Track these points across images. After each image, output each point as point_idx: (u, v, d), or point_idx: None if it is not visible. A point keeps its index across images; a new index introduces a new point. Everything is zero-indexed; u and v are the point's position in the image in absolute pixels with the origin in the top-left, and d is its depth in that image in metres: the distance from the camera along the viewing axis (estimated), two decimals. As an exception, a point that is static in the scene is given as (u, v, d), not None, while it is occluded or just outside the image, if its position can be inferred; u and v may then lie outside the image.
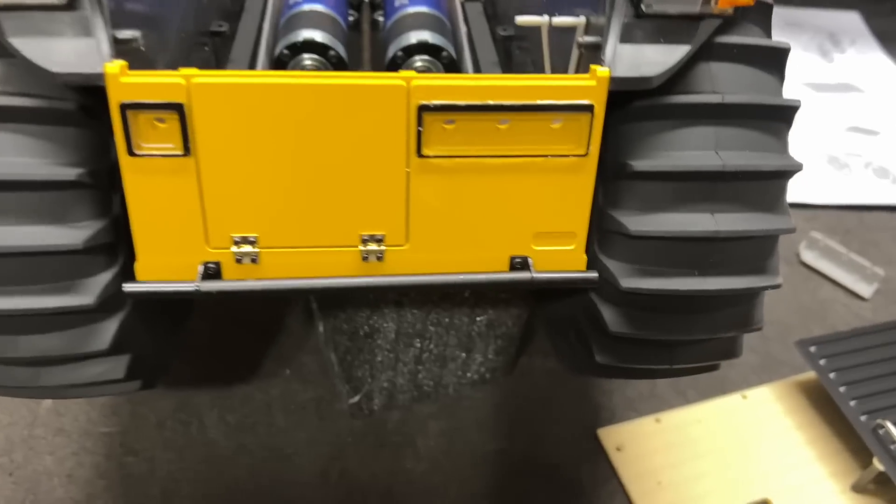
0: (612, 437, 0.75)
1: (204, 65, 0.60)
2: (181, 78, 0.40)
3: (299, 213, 0.45)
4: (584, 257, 0.50)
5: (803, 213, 1.04)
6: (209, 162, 0.43)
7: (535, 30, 0.58)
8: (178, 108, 0.41)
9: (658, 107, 0.45)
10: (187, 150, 0.42)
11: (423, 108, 0.43)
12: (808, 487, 0.73)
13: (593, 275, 0.50)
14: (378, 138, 0.44)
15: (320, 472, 0.70)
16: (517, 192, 0.47)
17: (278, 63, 0.63)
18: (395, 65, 0.66)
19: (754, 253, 0.48)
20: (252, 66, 0.64)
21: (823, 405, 0.79)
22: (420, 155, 0.44)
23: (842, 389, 0.75)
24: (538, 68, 0.59)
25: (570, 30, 0.49)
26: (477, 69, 0.67)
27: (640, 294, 0.48)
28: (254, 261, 0.46)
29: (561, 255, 0.49)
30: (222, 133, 0.42)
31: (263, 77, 0.42)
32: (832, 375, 0.76)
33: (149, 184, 0.43)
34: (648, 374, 0.54)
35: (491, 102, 0.43)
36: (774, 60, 0.48)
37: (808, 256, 0.97)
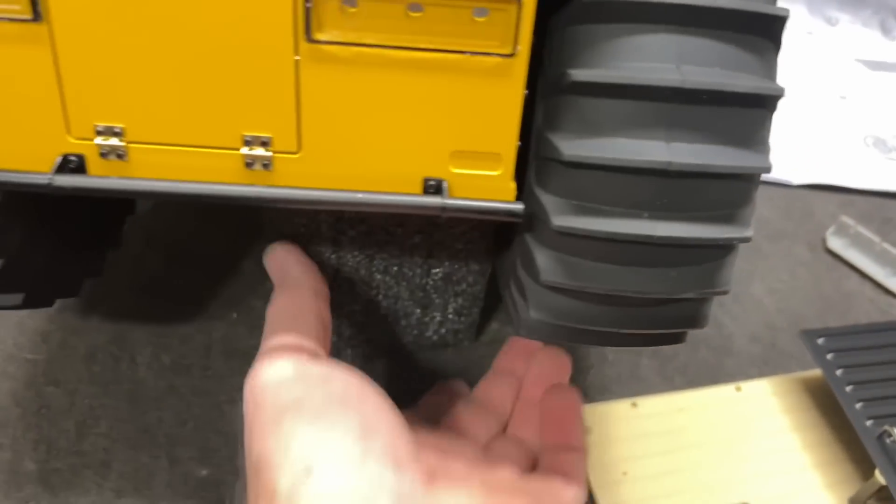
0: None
1: None
2: None
3: (172, 102, 0.39)
4: (513, 185, 0.42)
5: (837, 197, 0.93)
6: (65, 30, 0.36)
7: None
8: None
9: (610, 4, 0.37)
10: (37, 15, 0.36)
11: None
12: (797, 496, 0.64)
13: (518, 206, 0.42)
14: (261, 14, 0.36)
15: (250, 423, 0.65)
16: (431, 97, 0.39)
17: None
18: None
19: (719, 196, 0.39)
20: None
21: (827, 406, 0.69)
22: (310, 39, 0.37)
23: (848, 389, 0.65)
24: None
25: None
26: None
27: (576, 235, 0.40)
28: (120, 156, 0.40)
29: (484, 181, 0.42)
30: (78, 12, 0.36)
31: None
32: (839, 372, 0.67)
33: None
34: (592, 337, 0.46)
35: None
36: (766, 30, 0.39)
37: (836, 244, 0.86)
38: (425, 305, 0.66)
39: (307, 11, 0.36)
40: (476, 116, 0.40)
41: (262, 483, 0.39)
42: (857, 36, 1.20)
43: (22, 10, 0.36)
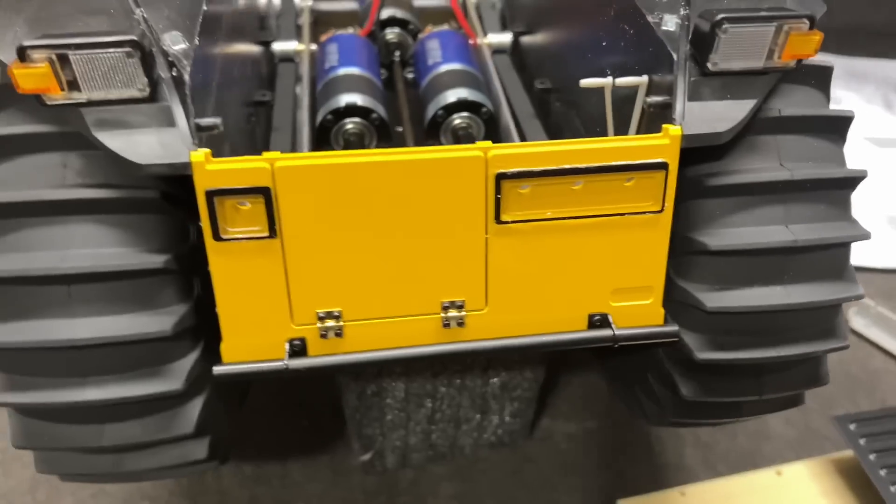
0: (632, 509, 0.72)
1: (251, 135, 0.61)
2: (265, 162, 0.41)
3: (382, 284, 0.46)
4: (662, 311, 0.49)
5: (857, 276, 0.99)
6: (293, 241, 0.43)
7: (574, 82, 0.58)
8: (264, 192, 0.41)
9: (728, 185, 0.46)
10: (273, 232, 0.42)
11: (500, 176, 0.43)
12: (843, 577, 0.68)
13: (674, 328, 0.49)
14: (457, 208, 0.44)
15: (329, 528, 0.70)
16: (594, 250, 0.46)
17: (322, 129, 0.65)
18: (435, 123, 0.67)
19: (833, 263, 0.48)
20: (295, 133, 0.66)
21: (861, 487, 0.74)
22: (498, 221, 0.44)
23: (882, 472, 0.70)
24: (584, 121, 0.59)
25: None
26: (516, 122, 0.68)
27: (727, 313, 0.47)
28: (338, 334, 0.46)
29: (639, 310, 0.49)
30: (306, 212, 0.43)
31: (345, 157, 0.42)
32: (872, 457, 0.71)
33: (235, 266, 0.43)
34: (736, 410, 0.54)
35: (567, 166, 0.43)
36: (838, 128, 0.49)
37: (859, 324, 0.92)
38: (484, 411, 0.72)
39: (497, 201, 0.43)
40: (632, 259, 0.47)
41: None
42: (863, 113, 1.27)
43: (261, 229, 0.42)
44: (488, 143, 0.43)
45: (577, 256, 0.46)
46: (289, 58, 0.77)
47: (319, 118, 0.67)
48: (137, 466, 0.49)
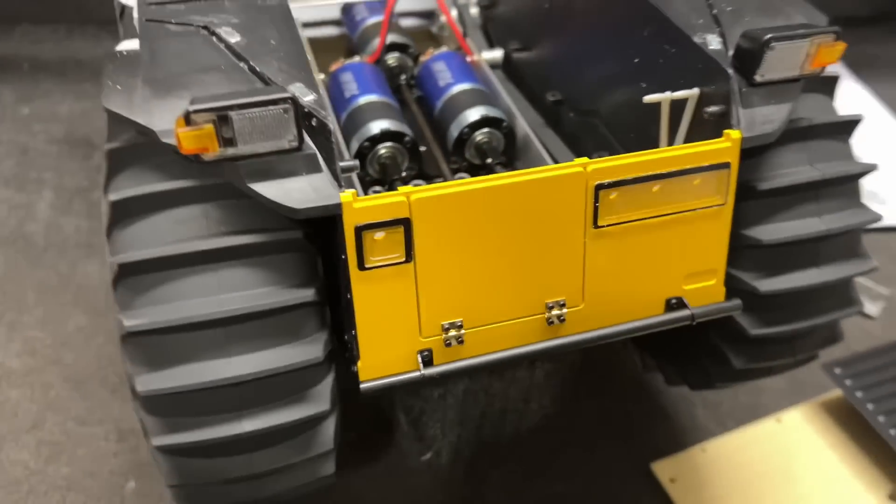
0: (666, 469, 0.80)
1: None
2: (402, 196, 0.45)
3: (496, 293, 0.51)
4: (723, 289, 0.56)
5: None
6: (425, 263, 0.48)
7: (599, 92, 0.67)
8: (404, 223, 0.45)
9: (773, 189, 0.54)
10: (409, 257, 0.47)
11: (599, 187, 0.49)
12: (849, 501, 0.79)
13: (737, 302, 0.56)
14: (561, 217, 0.49)
15: (399, 529, 0.74)
16: (670, 241, 0.53)
17: (359, 155, 0.68)
18: (461, 140, 0.72)
19: (853, 243, 0.59)
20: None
21: (852, 422, 0.85)
22: (596, 226, 0.50)
23: (870, 406, 0.81)
24: (610, 128, 0.66)
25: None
26: (534, 132, 0.73)
27: (775, 295, 0.56)
28: (460, 342, 0.51)
29: (706, 290, 0.56)
30: (436, 236, 0.47)
31: (468, 184, 0.47)
32: (859, 394, 0.82)
33: (374, 292, 0.47)
34: (769, 371, 0.65)
35: (651, 173, 0.49)
36: (849, 130, 0.59)
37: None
38: (528, 399, 0.78)
39: (595, 209, 0.49)
40: (701, 246, 0.54)
41: None
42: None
43: (399, 256, 0.46)
44: (585, 159, 0.49)
45: (657, 249, 0.53)
46: None
47: (355, 146, 0.71)
48: (275, 490, 0.52)
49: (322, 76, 0.81)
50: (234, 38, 0.50)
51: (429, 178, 0.74)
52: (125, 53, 0.51)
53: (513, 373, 0.73)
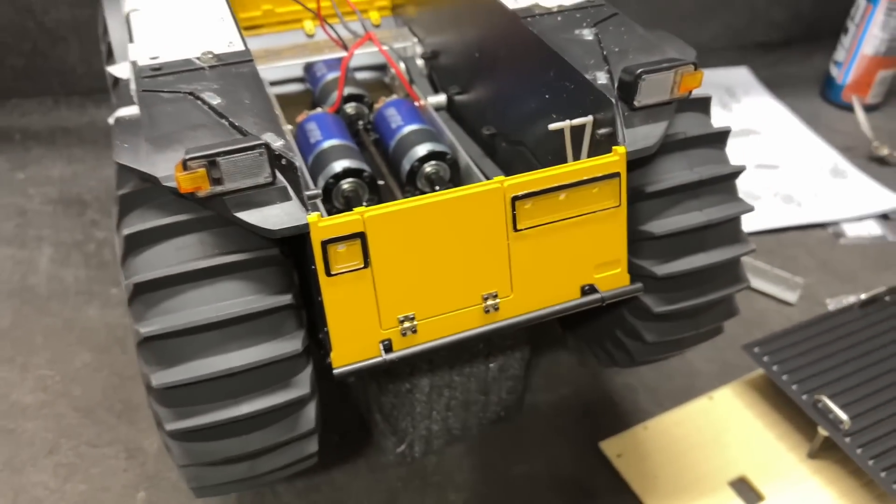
0: (612, 447, 0.92)
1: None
2: (358, 215, 0.57)
3: (441, 289, 0.62)
4: (628, 276, 0.69)
5: (731, 242, 1.25)
6: (380, 267, 0.59)
7: (523, 124, 0.80)
8: (360, 236, 0.57)
9: (660, 190, 0.66)
10: (367, 263, 0.58)
11: (515, 198, 0.61)
12: (774, 462, 0.91)
13: (639, 285, 0.69)
14: (488, 224, 0.62)
15: (382, 514, 0.85)
16: (579, 238, 0.65)
17: (325, 191, 0.81)
18: (412, 173, 0.85)
19: (735, 230, 0.71)
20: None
21: (773, 395, 0.97)
22: (515, 229, 0.62)
23: (784, 377, 0.93)
24: (534, 153, 0.79)
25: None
26: (474, 161, 0.86)
27: (673, 277, 0.68)
28: (414, 332, 0.63)
29: (613, 277, 0.68)
30: (387, 245, 0.59)
31: (412, 202, 0.59)
32: (775, 368, 0.94)
33: (340, 293, 0.59)
34: (685, 343, 0.76)
35: (557, 185, 0.62)
36: (722, 139, 0.71)
37: (741, 277, 1.17)
38: (486, 392, 0.89)
39: (514, 217, 0.62)
40: (604, 241, 0.66)
41: None
42: (706, 114, 1.56)
43: (358, 262, 0.58)
44: (502, 178, 0.61)
45: (569, 245, 0.65)
46: None
47: (321, 183, 0.83)
48: (268, 467, 0.63)
49: (290, 127, 0.94)
50: (215, 101, 0.62)
51: None
52: (127, 118, 0.63)
53: (469, 368, 0.85)
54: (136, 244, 0.58)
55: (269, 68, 1.06)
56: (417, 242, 0.60)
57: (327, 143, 0.87)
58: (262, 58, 1.08)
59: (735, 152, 1.44)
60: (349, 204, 0.83)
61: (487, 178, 0.85)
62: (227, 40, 0.71)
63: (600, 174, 0.63)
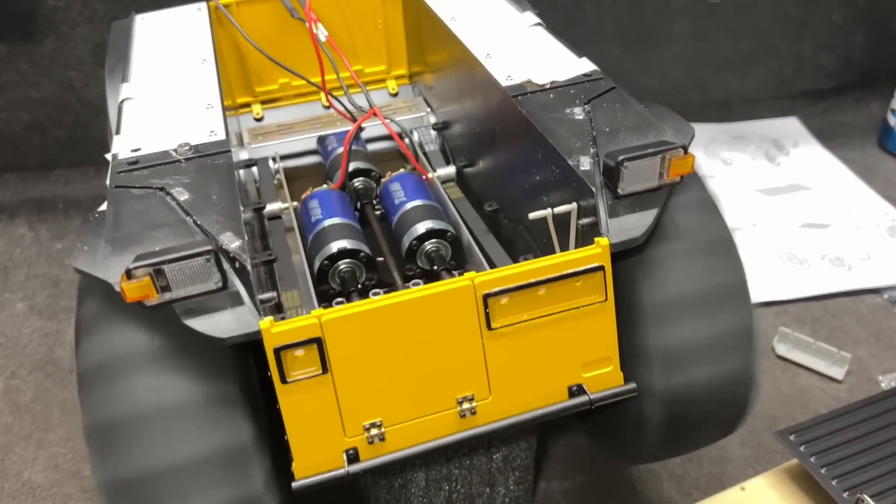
0: (630, 543, 0.85)
1: (264, 287, 0.74)
2: (314, 318, 0.54)
3: (410, 393, 0.59)
4: (621, 374, 0.64)
5: (772, 310, 1.16)
6: (341, 372, 0.56)
7: (520, 203, 0.75)
8: (316, 341, 0.54)
9: (651, 256, 0.62)
10: (325, 369, 0.56)
11: (487, 296, 0.57)
12: (811, 565, 0.82)
13: (632, 385, 0.63)
14: (458, 323, 0.58)
15: None
16: (563, 336, 0.61)
17: (320, 272, 0.79)
18: (411, 251, 0.82)
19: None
20: (298, 280, 0.79)
21: (811, 487, 0.88)
22: (489, 328, 0.58)
23: (823, 471, 0.85)
24: (530, 232, 0.75)
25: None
26: (475, 238, 0.83)
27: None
28: (381, 439, 0.59)
29: (604, 376, 0.63)
30: (348, 349, 0.56)
31: (370, 304, 0.56)
32: (812, 459, 0.86)
33: (298, 401, 0.56)
34: (691, 444, 0.72)
35: (533, 280, 0.58)
36: (723, 228, 0.65)
37: (782, 349, 1.08)
38: (492, 484, 0.84)
39: (486, 315, 0.58)
40: (592, 338, 0.61)
41: None
42: (750, 169, 1.48)
43: (316, 369, 0.55)
44: (473, 274, 0.58)
45: (551, 343, 0.61)
46: (277, 216, 0.91)
47: (317, 264, 0.81)
48: None
49: (295, 203, 0.93)
50: (183, 197, 0.61)
51: (385, 286, 0.83)
52: (97, 216, 0.63)
53: (469, 459, 0.80)
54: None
55: (283, 143, 1.06)
56: (382, 345, 0.57)
57: (327, 223, 0.85)
58: (276, 132, 1.08)
59: (782, 210, 1.36)
60: (345, 285, 0.81)
61: (488, 258, 0.81)
62: (210, 129, 0.71)
63: (581, 267, 0.59)
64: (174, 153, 0.67)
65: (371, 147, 1.06)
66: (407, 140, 0.99)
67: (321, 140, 1.06)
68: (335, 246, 0.81)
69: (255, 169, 0.98)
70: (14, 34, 1.40)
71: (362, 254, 0.81)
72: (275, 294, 0.58)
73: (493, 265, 0.80)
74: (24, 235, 1.42)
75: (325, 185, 0.94)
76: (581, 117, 0.68)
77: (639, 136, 0.64)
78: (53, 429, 1.03)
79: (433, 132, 1.05)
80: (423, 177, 0.95)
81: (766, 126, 1.61)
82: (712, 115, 1.62)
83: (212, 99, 0.76)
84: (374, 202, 0.96)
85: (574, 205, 0.63)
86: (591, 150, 0.63)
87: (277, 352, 0.54)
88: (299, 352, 0.55)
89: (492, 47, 0.82)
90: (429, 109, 1.08)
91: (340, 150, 0.99)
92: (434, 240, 0.83)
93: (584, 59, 0.77)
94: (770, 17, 1.60)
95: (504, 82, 0.74)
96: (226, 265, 0.54)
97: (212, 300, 0.54)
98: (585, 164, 0.62)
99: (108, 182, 0.66)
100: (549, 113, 0.69)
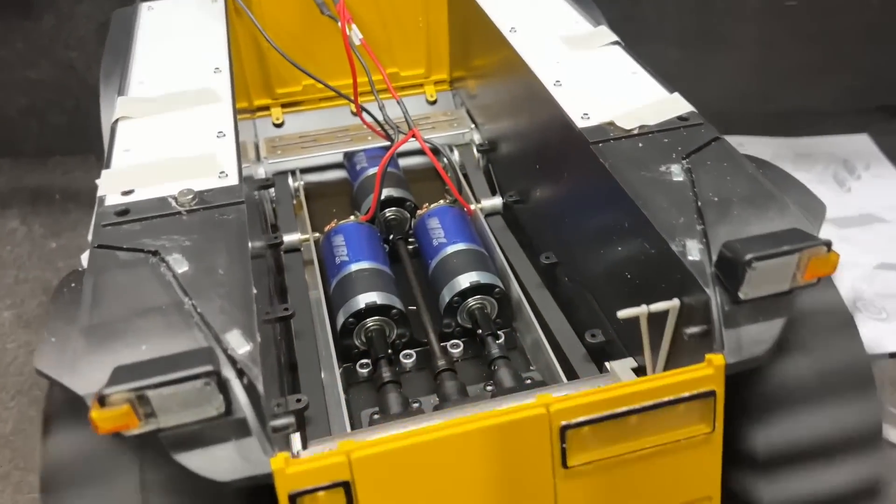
0: None
1: (278, 346, 0.61)
2: (342, 455, 0.41)
3: None
4: None
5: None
6: None
7: (589, 267, 0.63)
8: (344, 485, 0.41)
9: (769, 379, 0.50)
10: None
11: (565, 427, 0.44)
12: None
13: None
14: (526, 461, 0.45)
15: None
16: (656, 474, 0.48)
17: (343, 331, 0.66)
18: (452, 308, 0.69)
19: None
20: (317, 338, 0.67)
21: None
22: (565, 466, 0.45)
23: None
24: (601, 305, 0.62)
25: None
26: (527, 295, 0.71)
27: None
28: None
29: None
30: (384, 494, 0.43)
31: (417, 437, 0.43)
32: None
33: None
34: None
35: (624, 409, 0.44)
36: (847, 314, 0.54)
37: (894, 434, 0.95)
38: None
39: (563, 451, 0.45)
40: (690, 475, 0.49)
41: None
42: (817, 195, 1.33)
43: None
44: (549, 397, 0.45)
45: (641, 483, 0.48)
46: (295, 248, 0.78)
47: (341, 321, 0.68)
48: None
49: (317, 235, 0.80)
50: (182, 268, 0.48)
51: (418, 346, 0.71)
52: (72, 287, 0.50)
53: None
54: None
55: (303, 158, 0.92)
56: (427, 487, 0.44)
57: (354, 267, 0.72)
58: (297, 144, 0.94)
59: (853, 246, 1.22)
60: (372, 345, 0.68)
61: (543, 319, 0.68)
62: (221, 168, 0.58)
63: (687, 393, 0.46)
64: (174, 202, 0.54)
65: (403, 162, 0.93)
66: (445, 160, 0.85)
67: (349, 156, 0.92)
68: (363, 300, 0.68)
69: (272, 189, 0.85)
70: (9, 10, 1.26)
71: (394, 310, 0.69)
72: (291, 420, 0.45)
73: (547, 330, 0.67)
74: (16, 230, 1.29)
75: (352, 217, 0.81)
76: (680, 178, 0.54)
77: (757, 214, 0.51)
78: (34, 469, 0.92)
79: (477, 154, 0.91)
80: (465, 208, 0.82)
81: (835, 143, 1.46)
82: (775, 127, 1.46)
83: (224, 125, 0.63)
84: (408, 234, 0.83)
85: (676, 302, 0.49)
86: (698, 228, 0.50)
87: (293, 498, 0.41)
88: (322, 495, 0.42)
89: (561, 72, 0.68)
90: (473, 126, 0.94)
91: (371, 171, 0.86)
92: (478, 296, 0.70)
93: (676, 95, 0.63)
94: (848, 24, 1.44)
95: (580, 122, 0.61)
96: (231, 382, 0.41)
97: (211, 429, 0.41)
98: (694, 251, 0.49)
99: (90, 237, 0.54)
100: (639, 170, 0.55)
